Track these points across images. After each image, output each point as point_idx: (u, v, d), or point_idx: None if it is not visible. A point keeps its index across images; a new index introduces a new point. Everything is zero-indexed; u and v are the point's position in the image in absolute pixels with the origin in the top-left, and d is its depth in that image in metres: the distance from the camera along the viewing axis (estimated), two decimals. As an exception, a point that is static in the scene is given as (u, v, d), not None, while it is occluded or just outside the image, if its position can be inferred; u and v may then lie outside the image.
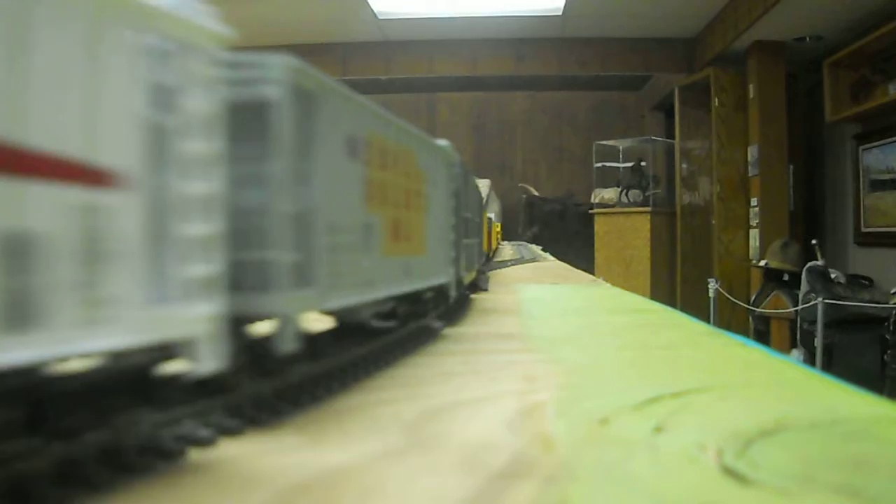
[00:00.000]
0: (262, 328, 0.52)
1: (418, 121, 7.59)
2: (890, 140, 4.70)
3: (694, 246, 6.08)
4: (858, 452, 0.46)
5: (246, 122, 0.49)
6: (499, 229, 2.98)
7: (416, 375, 0.73)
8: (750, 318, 5.22)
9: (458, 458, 0.45)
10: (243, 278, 0.48)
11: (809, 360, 4.09)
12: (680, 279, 6.09)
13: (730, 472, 0.42)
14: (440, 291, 0.99)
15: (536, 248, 5.06)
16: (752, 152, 5.42)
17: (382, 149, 0.71)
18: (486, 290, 1.78)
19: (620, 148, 6.80)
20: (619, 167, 6.75)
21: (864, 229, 5.10)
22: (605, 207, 6.52)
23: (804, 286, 4.33)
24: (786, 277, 4.77)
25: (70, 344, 0.33)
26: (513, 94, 7.78)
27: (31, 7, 0.31)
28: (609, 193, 6.64)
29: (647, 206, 6.26)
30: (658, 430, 0.50)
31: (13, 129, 0.30)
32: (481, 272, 1.88)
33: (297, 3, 5.22)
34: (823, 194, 5.78)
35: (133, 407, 0.41)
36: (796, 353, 4.30)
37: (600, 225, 6.41)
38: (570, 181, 7.66)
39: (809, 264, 4.41)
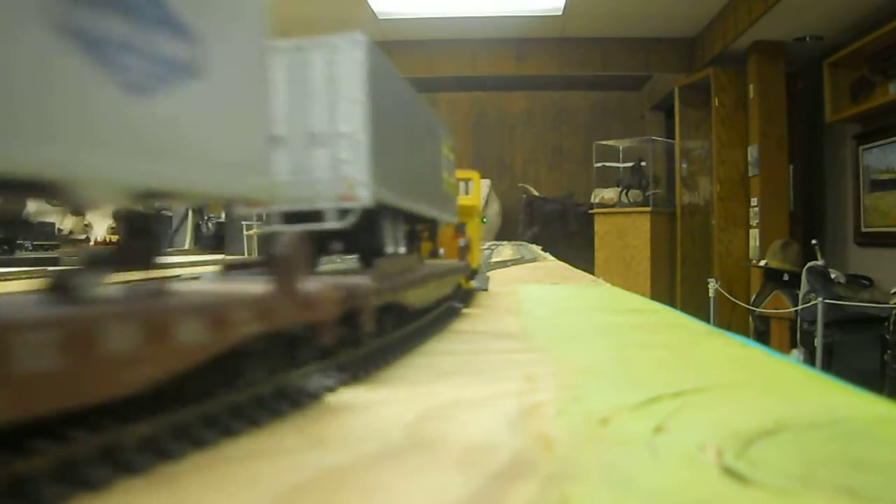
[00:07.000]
0: None
1: (418, 121, 7.60)
2: (890, 140, 4.70)
3: (694, 246, 6.08)
4: (858, 452, 0.46)
5: None
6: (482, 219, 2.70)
7: (415, 375, 0.73)
8: (750, 318, 5.22)
9: (459, 458, 0.45)
10: None
11: (809, 360, 4.09)
12: (680, 279, 6.09)
13: (730, 472, 0.41)
14: None
15: (536, 248, 5.06)
16: (752, 152, 5.42)
17: None
18: (485, 289, 1.79)
19: (620, 148, 6.80)
20: (619, 167, 6.75)
21: (863, 229, 5.09)
22: (605, 207, 6.53)
23: (804, 286, 4.33)
24: (786, 277, 4.77)
25: None
26: (512, 94, 7.78)
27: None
28: (609, 193, 6.65)
29: (647, 206, 6.26)
30: (658, 430, 0.50)
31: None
32: (481, 272, 1.88)
33: (296, 2, 5.21)
34: (823, 194, 5.78)
35: None
36: (796, 353, 4.30)
37: (600, 225, 6.41)
38: (570, 181, 7.66)
39: (809, 264, 4.41)
